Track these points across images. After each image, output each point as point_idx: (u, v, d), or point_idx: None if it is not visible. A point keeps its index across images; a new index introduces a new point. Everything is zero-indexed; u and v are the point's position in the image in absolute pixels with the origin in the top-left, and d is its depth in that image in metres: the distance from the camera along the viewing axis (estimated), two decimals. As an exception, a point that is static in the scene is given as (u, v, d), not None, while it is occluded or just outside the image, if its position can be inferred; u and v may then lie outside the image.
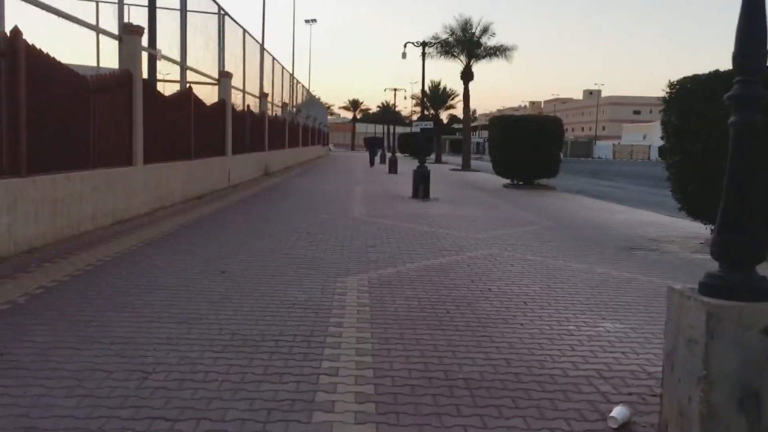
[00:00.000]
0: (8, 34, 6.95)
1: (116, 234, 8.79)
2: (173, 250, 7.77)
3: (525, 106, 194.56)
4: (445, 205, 14.98)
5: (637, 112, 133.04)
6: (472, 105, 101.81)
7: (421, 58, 18.34)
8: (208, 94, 18.08)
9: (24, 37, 7.13)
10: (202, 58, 16.73)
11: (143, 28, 10.85)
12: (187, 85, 15.20)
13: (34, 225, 7.30)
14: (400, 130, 69.34)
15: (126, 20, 11.39)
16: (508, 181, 23.06)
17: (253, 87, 23.41)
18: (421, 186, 16.57)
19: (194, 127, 14.38)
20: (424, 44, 17.43)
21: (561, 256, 8.38)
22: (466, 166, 36.37)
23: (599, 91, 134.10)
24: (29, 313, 4.88)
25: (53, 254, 7.13)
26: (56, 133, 8.00)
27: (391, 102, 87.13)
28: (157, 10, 13.47)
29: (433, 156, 52.77)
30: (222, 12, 18.01)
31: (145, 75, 12.48)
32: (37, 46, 7.47)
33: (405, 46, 17.88)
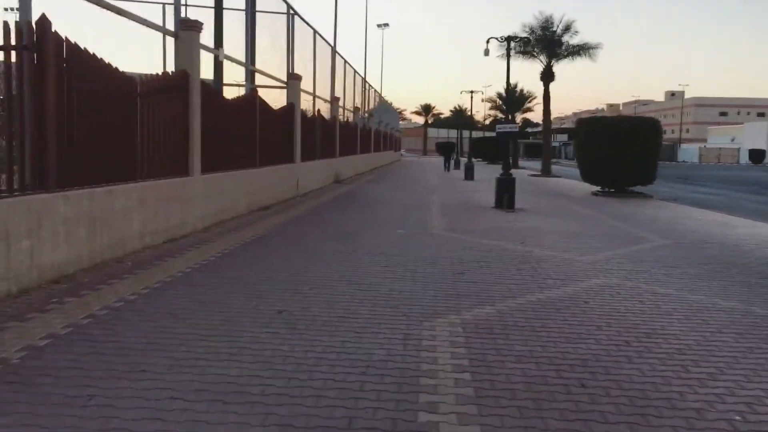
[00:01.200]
0: (34, 25, 5.89)
1: (165, 255, 7.67)
2: (224, 278, 6.55)
3: (602, 109, 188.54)
4: (533, 217, 13.36)
5: (723, 114, 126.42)
6: (540, 109, 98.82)
7: (506, 54, 16.70)
8: (276, 98, 17.07)
9: (54, 28, 6.08)
10: (270, 60, 15.70)
11: (202, 24, 9.78)
12: (251, 88, 14.17)
13: (65, 248, 6.22)
14: (475, 134, 67.46)
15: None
16: (597, 188, 21.10)
17: (323, 91, 22.38)
18: (506, 195, 14.99)
19: (260, 132, 13.32)
20: (509, 39, 15.83)
21: (698, 287, 6.70)
22: (546, 171, 34.33)
23: (683, 92, 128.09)
24: (17, 382, 3.69)
25: (84, 283, 6.02)
26: (95, 142, 6.92)
27: (464, 105, 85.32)
28: (224, 10, 12.49)
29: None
30: (291, 12, 16.98)
31: (210, 77, 11.55)
32: (71, 39, 6.40)
33: (488, 41, 16.19)
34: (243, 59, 13.26)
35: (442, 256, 8.28)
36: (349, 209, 14.17)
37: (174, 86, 8.96)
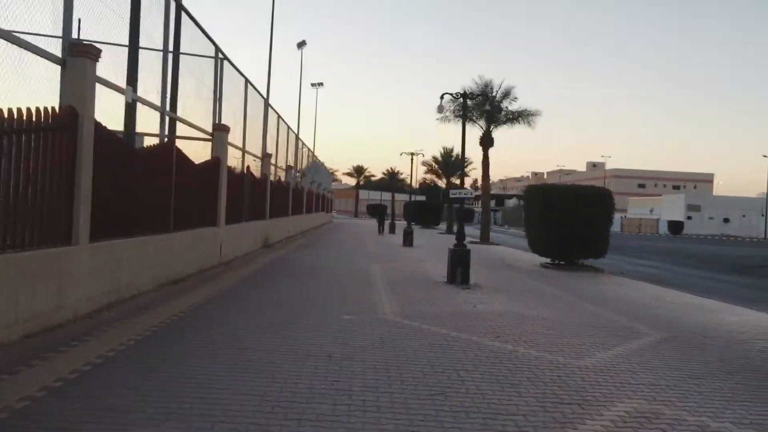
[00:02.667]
0: None
1: (12, 362, 5.38)
2: (86, 414, 4.36)
3: (528, 177, 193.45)
4: (494, 296, 11.59)
5: (641, 186, 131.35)
6: (474, 175, 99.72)
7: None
8: (199, 152, 14.98)
9: None
10: (194, 107, 13.66)
11: (100, 51, 7.68)
12: (166, 138, 12.06)
13: None
14: (403, 197, 66.54)
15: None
16: (546, 260, 19.72)
17: (254, 146, 20.37)
18: (460, 269, 13.22)
19: (176, 190, 11.16)
20: (464, 95, 14.39)
21: (754, 415, 4.97)
22: (485, 239, 33.08)
23: (603, 163, 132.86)
24: None
25: None
26: None
27: (397, 168, 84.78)
28: (140, 49, 10.48)
29: (443, 226, 49.70)
30: (221, 56, 15.07)
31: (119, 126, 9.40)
32: None
33: (442, 97, 14.70)
34: (158, 102, 11.16)
35: (405, 358, 6.30)
36: (282, 283, 12.04)
37: (54, 126, 6.80)
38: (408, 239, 26.39)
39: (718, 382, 6.06)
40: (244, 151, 18.27)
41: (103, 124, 8.02)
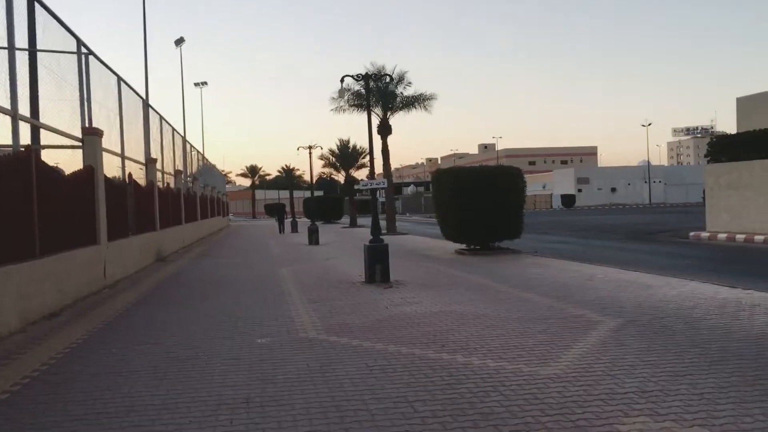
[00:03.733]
0: None
1: None
2: None
3: (422, 163, 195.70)
4: (420, 293, 10.53)
5: (532, 163, 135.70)
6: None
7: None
8: (71, 162, 13.05)
9: None
10: (55, 110, 11.73)
11: None
12: (34, 148, 10.16)
13: None
14: (306, 194, 64.98)
15: None
16: (460, 246, 18.98)
17: (135, 152, 18.32)
18: (379, 267, 12.08)
19: (39, 207, 9.32)
20: (367, 76, 13.15)
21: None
22: (392, 229, 32.20)
23: (494, 145, 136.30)
24: None
25: None
26: None
27: (292, 165, 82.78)
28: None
29: (346, 220, 48.41)
30: (84, 50, 13.07)
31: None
32: None
33: (342, 80, 13.37)
34: (7, 106, 9.25)
35: (346, 394, 5.05)
36: (179, 303, 10.42)
37: None
38: (313, 238, 25.05)
39: (710, 378, 5.20)
40: (123, 157, 16.27)
41: None
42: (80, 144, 12.57)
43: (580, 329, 7.24)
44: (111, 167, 14.59)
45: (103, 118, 14.62)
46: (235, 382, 5.50)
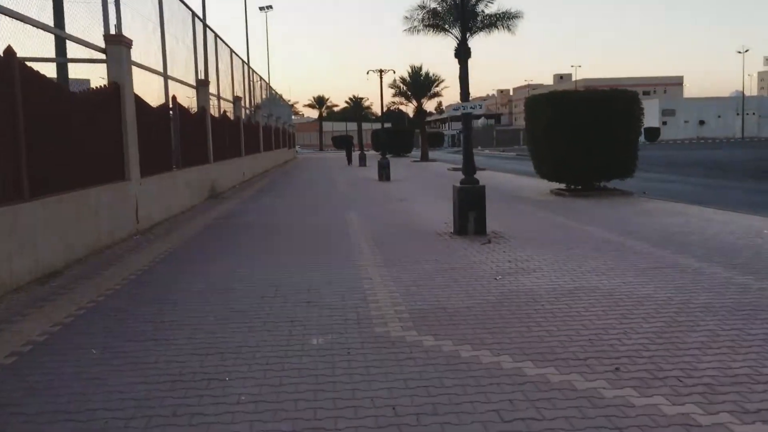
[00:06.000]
0: None
1: None
2: None
3: (493, 95, 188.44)
4: (534, 254, 7.80)
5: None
6: (446, 94, 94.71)
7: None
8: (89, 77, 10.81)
9: None
10: (68, 13, 9.34)
11: None
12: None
13: None
14: (375, 126, 62.20)
15: None
16: (558, 185, 15.98)
17: (185, 72, 15.95)
18: (473, 214, 9.41)
19: (26, 133, 6.98)
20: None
21: None
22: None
23: (570, 75, 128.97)
24: None
25: None
26: None
27: (360, 95, 79.65)
28: None
29: (417, 153, 45.52)
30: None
31: None
32: None
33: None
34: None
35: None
36: (218, 261, 8.04)
37: None
38: (384, 173, 22.52)
39: None
40: (166, 76, 13.86)
41: None
42: (103, 56, 10.16)
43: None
44: (145, 86, 12.19)
45: (140, 31, 12.21)
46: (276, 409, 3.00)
